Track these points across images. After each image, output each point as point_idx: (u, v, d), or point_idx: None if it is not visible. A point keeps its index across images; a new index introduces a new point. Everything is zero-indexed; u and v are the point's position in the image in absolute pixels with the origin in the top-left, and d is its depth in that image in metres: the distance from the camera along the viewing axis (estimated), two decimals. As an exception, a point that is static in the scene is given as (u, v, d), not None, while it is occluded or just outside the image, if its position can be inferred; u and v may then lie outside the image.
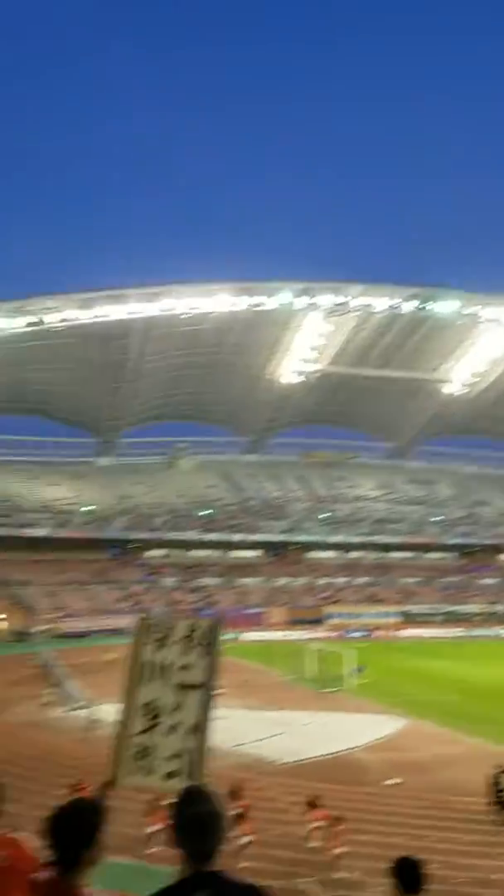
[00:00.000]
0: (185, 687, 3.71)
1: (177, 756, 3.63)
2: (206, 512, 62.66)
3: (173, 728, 3.67)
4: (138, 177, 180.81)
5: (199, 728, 3.65)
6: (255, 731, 20.25)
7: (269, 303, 51.55)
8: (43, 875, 2.50)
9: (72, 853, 2.44)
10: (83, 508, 58.34)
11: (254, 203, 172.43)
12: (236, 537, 61.33)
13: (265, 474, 70.00)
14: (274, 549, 63.37)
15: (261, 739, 19.76)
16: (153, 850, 10.90)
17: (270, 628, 48.86)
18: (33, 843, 2.96)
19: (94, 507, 58.83)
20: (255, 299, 51.02)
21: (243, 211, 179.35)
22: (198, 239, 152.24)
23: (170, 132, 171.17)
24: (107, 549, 58.06)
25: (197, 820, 2.30)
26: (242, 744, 18.17)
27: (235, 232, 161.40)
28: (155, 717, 3.72)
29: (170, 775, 3.62)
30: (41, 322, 46.08)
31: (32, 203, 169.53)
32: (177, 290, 48.65)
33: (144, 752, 3.67)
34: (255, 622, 48.61)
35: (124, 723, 3.78)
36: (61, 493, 59.11)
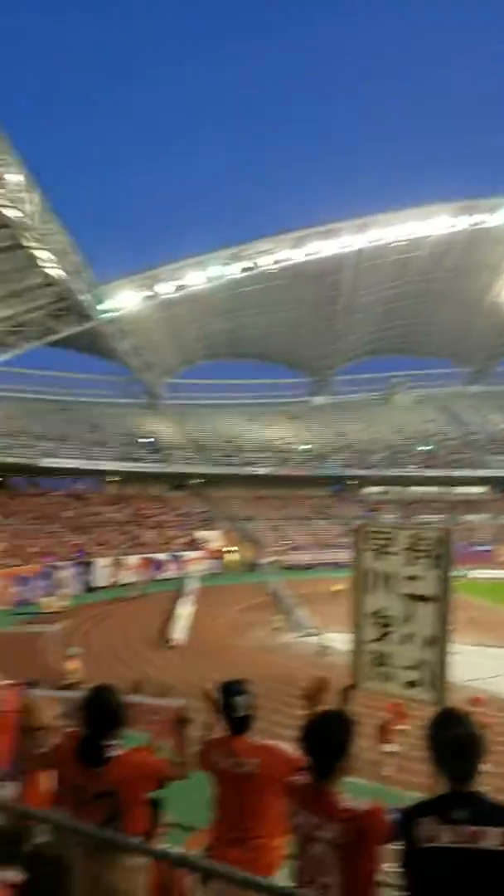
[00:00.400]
0: (414, 598, 3.65)
1: (415, 667, 3.57)
2: (426, 448, 60.90)
3: (407, 638, 3.63)
4: (343, 107, 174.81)
5: (437, 641, 3.55)
6: (489, 667, 19.55)
7: (492, 220, 47.46)
8: (299, 780, 2.67)
9: (326, 762, 2.60)
10: (301, 447, 59.73)
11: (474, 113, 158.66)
12: (458, 473, 58.97)
13: (490, 406, 65.99)
14: (502, 485, 59.99)
15: (496, 676, 19.06)
16: (388, 772, 10.98)
17: (502, 567, 46.67)
18: (286, 750, 3.13)
19: (311, 445, 59.96)
20: (475, 218, 47.25)
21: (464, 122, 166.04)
22: (411, 163, 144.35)
23: (390, 54, 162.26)
24: (326, 486, 59.13)
25: (456, 741, 2.36)
26: (476, 679, 17.59)
27: (453, 149, 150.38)
28: (386, 625, 3.70)
29: (410, 684, 3.58)
30: (255, 266, 46.97)
31: (246, 145, 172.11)
32: (388, 217, 46.64)
33: (381, 660, 3.67)
34: (484, 559, 46.68)
35: (358, 630, 3.80)
36: (280, 433, 61.00)
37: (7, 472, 48.01)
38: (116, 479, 53.70)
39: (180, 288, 47.52)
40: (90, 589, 37.80)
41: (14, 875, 4.35)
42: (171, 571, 43.05)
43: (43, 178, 35.44)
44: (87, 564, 39.56)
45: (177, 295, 47.75)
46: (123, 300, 46.74)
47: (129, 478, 53.34)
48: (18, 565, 36.55)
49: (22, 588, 33.93)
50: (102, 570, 40.03)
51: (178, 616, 28.42)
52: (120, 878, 2.98)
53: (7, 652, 23.07)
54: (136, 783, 3.02)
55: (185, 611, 29.85)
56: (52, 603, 32.03)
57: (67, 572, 36.89)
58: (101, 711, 3.07)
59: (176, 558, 44.65)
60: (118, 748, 3.03)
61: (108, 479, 53.80)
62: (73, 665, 16.57)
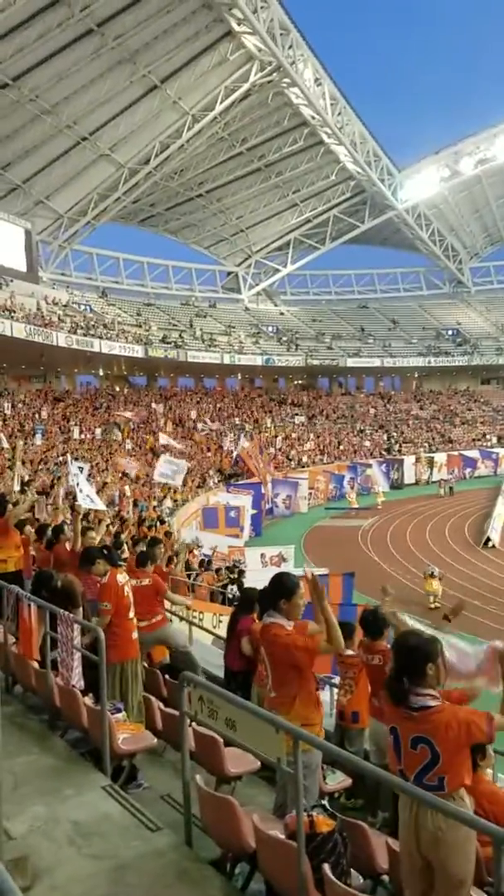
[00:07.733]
0: None
1: None
2: None
3: None
4: None
5: None
6: None
7: None
8: None
9: None
10: None
11: None
12: None
13: None
14: None
15: None
16: None
17: None
18: None
19: None
20: None
21: None
22: None
23: None
24: None
25: None
26: None
27: None
28: None
29: None
30: None
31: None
32: None
33: None
34: None
35: None
36: None
37: (313, 375, 49.71)
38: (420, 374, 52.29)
39: (482, 162, 43.19)
40: (397, 486, 38.09)
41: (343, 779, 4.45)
42: (482, 469, 41.34)
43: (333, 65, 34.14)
44: (396, 462, 39.75)
45: (480, 170, 43.50)
46: (422, 185, 44.01)
47: (433, 372, 51.57)
48: (327, 463, 38.22)
49: (335, 485, 35.42)
50: (410, 468, 39.98)
51: (496, 516, 27.06)
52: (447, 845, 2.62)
53: (323, 544, 24.50)
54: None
55: (501, 510, 28.35)
56: (358, 499, 32.98)
57: (375, 470, 37.45)
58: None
59: (488, 455, 42.56)
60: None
61: (413, 374, 52.64)
62: (433, 586, 16.07)
